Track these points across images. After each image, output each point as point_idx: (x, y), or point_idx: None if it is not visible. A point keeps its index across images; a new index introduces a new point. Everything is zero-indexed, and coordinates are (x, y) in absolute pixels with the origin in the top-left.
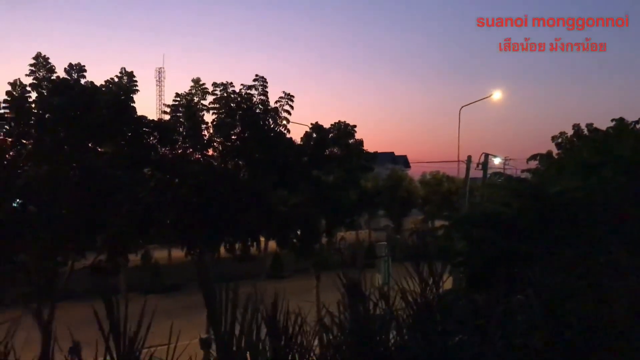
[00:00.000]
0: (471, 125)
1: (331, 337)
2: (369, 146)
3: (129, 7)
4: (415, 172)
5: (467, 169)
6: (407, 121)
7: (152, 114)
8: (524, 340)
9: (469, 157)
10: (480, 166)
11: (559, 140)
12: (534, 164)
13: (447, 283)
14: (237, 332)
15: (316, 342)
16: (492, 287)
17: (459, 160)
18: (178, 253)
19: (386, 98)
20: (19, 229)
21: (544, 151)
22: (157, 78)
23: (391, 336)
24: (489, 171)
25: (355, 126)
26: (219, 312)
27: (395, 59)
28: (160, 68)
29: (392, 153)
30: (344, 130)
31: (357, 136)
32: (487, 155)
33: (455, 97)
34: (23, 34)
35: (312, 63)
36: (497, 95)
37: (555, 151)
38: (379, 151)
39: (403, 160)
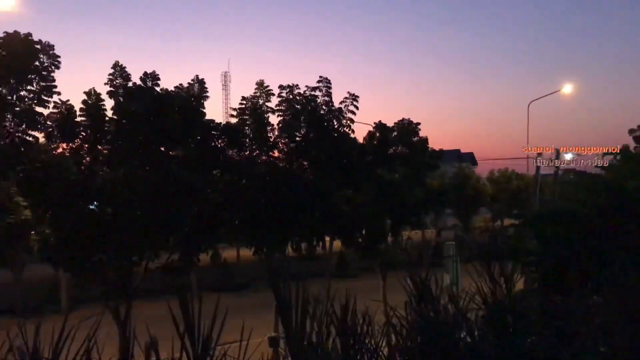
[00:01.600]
0: (541, 121)
1: (400, 338)
2: (435, 144)
3: (194, 14)
4: (482, 169)
5: (538, 166)
6: (473, 118)
7: (218, 117)
8: (603, 343)
9: (539, 154)
10: (551, 162)
11: (638, 133)
12: (609, 159)
13: (519, 283)
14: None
15: (384, 342)
16: (566, 288)
17: (528, 157)
18: (246, 252)
19: (452, 95)
20: (97, 230)
21: (619, 146)
22: (223, 82)
23: (461, 337)
24: (561, 167)
25: (419, 124)
26: (289, 310)
27: (459, 55)
28: (226, 72)
29: (458, 150)
30: (407, 128)
31: (422, 134)
32: (558, 151)
33: (524, 92)
34: (94, 45)
35: (375, 62)
36: (567, 88)
37: (632, 145)
38: (444, 149)
39: (469, 158)
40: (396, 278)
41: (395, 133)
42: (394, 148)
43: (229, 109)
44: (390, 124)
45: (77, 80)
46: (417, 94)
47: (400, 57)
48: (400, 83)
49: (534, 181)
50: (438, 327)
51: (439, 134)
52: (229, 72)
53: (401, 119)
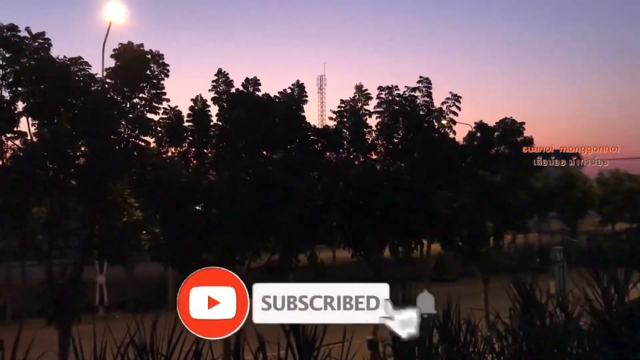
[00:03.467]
0: None
1: (505, 346)
2: (539, 143)
3: (290, 21)
4: (590, 170)
5: None
6: (580, 115)
7: (314, 120)
8: None
9: None
10: None
11: None
12: None
13: (633, 291)
14: None
15: (487, 349)
16: None
17: None
18: (341, 253)
19: (557, 92)
20: (203, 231)
21: None
22: (319, 85)
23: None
24: None
25: (523, 123)
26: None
27: (566, 52)
28: (321, 75)
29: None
30: (510, 128)
31: (527, 133)
32: None
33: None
34: (195, 52)
35: (473, 61)
36: None
37: None
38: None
39: (576, 158)
40: (499, 283)
41: (497, 133)
42: (496, 149)
43: (325, 111)
44: (490, 123)
45: (181, 86)
46: (520, 92)
47: (500, 55)
48: (502, 82)
49: None
50: (546, 335)
51: (544, 133)
52: (325, 75)
53: (503, 118)
